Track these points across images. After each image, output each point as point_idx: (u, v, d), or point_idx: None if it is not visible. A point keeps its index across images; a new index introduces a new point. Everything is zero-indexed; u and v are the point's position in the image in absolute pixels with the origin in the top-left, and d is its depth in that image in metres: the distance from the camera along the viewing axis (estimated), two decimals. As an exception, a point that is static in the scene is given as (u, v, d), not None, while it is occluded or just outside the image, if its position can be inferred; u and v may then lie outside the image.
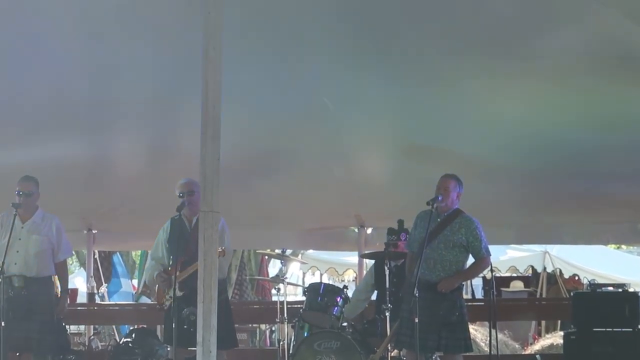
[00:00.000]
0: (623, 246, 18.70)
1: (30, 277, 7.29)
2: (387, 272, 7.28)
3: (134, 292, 14.82)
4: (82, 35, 6.68)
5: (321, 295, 7.63)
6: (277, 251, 9.36)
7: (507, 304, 10.91)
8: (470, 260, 6.96)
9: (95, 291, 11.48)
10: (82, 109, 7.81)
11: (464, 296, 7.83)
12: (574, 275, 14.14)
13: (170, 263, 7.16)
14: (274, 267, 17.09)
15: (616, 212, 9.47)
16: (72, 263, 18.27)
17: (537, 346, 11.52)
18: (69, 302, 7.92)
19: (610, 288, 8.49)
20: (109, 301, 13.25)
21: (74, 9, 6.23)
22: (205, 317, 4.97)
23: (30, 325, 7.23)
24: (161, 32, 6.56)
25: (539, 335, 12.99)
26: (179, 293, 6.73)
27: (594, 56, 6.57)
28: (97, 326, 11.73)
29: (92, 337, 10.43)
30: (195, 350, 5.05)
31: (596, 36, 6.33)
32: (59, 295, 7.65)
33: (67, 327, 9.05)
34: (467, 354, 7.03)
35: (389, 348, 7.19)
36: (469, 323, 7.07)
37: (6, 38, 6.47)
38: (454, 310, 6.72)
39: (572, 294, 9.36)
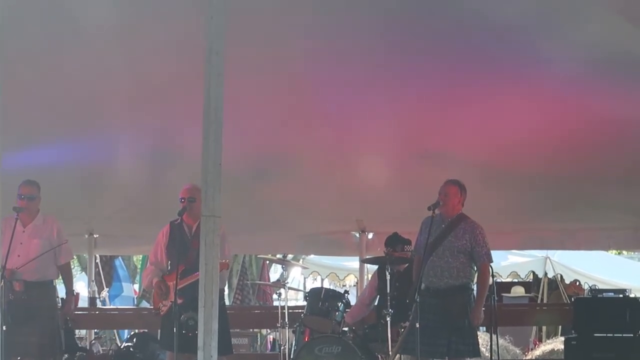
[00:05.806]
0: (624, 252, 18.67)
1: (31, 282, 7.26)
2: (387, 277, 7.28)
3: (135, 297, 14.82)
4: (83, 40, 6.71)
5: (322, 300, 7.63)
6: (278, 256, 9.36)
7: (508, 309, 10.89)
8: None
9: (97, 295, 11.47)
10: (84, 114, 7.82)
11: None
12: (575, 280, 14.11)
13: (169, 269, 7.15)
14: (275, 272, 17.09)
15: (617, 218, 9.47)
16: (74, 267, 18.25)
17: (538, 351, 11.47)
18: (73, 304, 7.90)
19: (611, 294, 8.48)
20: (111, 305, 13.24)
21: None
22: (206, 322, 4.96)
23: (31, 330, 7.19)
24: (164, 35, 6.57)
25: (540, 340, 12.94)
26: (177, 300, 6.71)
27: (595, 60, 6.57)
28: (98, 330, 11.72)
29: (93, 341, 10.40)
30: (193, 355, 5.04)
31: (599, 40, 6.33)
32: (65, 298, 7.64)
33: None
34: (474, 359, 7.03)
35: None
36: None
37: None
38: (464, 316, 6.73)
39: (573, 299, 9.37)
